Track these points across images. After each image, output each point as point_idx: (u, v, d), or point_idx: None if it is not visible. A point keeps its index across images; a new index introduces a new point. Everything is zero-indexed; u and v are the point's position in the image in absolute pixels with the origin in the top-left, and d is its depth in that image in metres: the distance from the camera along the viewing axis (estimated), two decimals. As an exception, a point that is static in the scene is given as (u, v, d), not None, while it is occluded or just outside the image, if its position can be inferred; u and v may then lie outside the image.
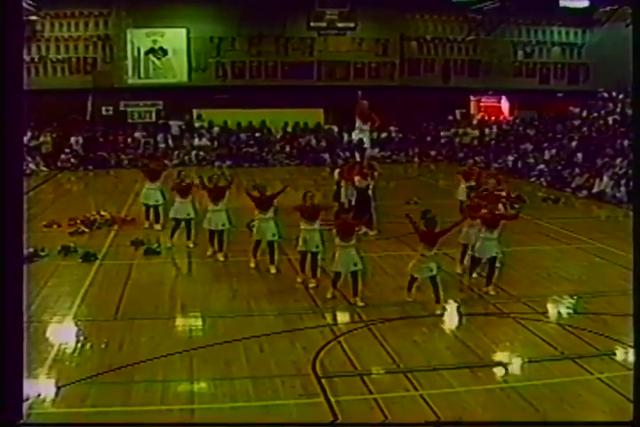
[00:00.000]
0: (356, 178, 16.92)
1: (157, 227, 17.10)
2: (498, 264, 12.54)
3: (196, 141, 32.30)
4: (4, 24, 5.06)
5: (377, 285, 12.72)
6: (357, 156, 19.57)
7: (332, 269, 11.90)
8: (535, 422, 7.72)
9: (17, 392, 5.32)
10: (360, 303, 11.50)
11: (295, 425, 7.76)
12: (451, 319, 11.24)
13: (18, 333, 5.26)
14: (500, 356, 9.65)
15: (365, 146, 19.68)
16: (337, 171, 18.63)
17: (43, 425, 7.04)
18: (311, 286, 12.44)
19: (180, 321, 11.03)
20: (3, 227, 5.12)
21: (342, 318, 11.17)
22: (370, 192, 16.87)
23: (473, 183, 15.01)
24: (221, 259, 14.39)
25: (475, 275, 12.76)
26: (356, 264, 11.59)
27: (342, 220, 11.86)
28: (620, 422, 7.10)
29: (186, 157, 31.08)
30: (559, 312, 11.55)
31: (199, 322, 11.03)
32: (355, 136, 20.03)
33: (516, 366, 9.37)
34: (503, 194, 14.50)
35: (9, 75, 5.11)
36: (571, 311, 11.53)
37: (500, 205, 13.52)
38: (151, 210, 17.35)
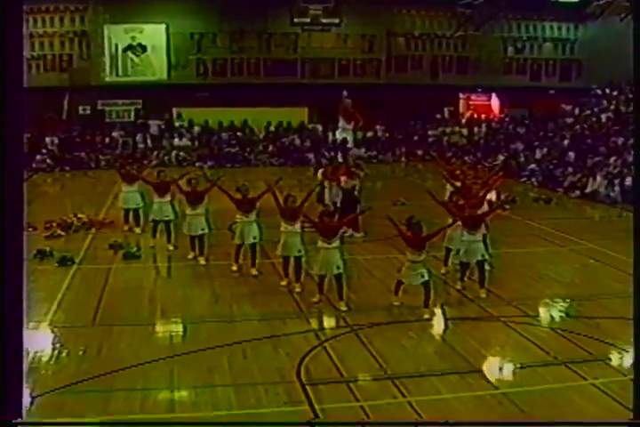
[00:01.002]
0: (343, 178, 16.69)
1: (137, 230, 16.81)
2: (487, 267, 12.37)
3: (176, 141, 32.02)
4: (4, 24, 5.06)
5: (364, 288, 12.55)
6: (340, 155, 19.36)
7: (315, 272, 11.65)
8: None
9: (16, 391, 5.33)
10: (343, 308, 11.28)
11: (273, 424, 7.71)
12: (439, 323, 11.08)
13: (17, 332, 5.25)
14: (490, 361, 9.52)
15: (349, 145, 19.52)
16: (320, 171, 18.40)
17: (41, 424, 6.95)
18: (296, 290, 12.22)
19: (160, 327, 10.83)
20: (3, 227, 5.12)
21: (327, 322, 11.02)
22: (356, 193, 16.62)
23: (458, 184, 14.67)
24: (203, 262, 14.16)
25: (464, 278, 12.52)
26: (338, 267, 11.34)
27: (325, 220, 11.56)
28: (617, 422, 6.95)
29: (166, 158, 30.53)
30: (551, 315, 11.43)
31: (180, 328, 10.83)
32: (338, 135, 19.91)
33: (506, 371, 9.24)
34: (490, 197, 14.18)
35: (9, 73, 5.11)
36: (563, 314, 11.41)
37: (486, 205, 13.31)
38: (131, 213, 17.04)
